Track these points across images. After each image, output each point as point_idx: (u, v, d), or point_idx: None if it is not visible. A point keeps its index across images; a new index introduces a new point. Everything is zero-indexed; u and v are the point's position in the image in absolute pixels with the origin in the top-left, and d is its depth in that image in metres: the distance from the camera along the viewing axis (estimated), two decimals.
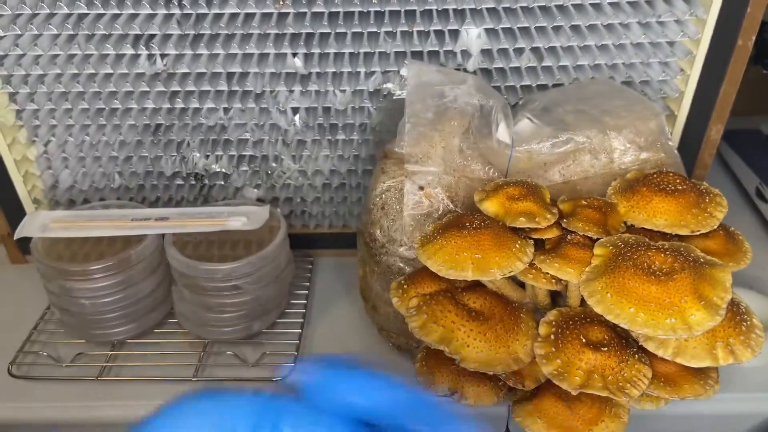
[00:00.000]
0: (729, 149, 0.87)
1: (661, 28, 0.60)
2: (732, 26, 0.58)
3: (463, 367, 0.46)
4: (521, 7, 0.59)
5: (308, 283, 0.72)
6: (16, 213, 0.71)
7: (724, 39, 0.59)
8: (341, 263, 0.75)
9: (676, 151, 0.59)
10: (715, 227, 0.50)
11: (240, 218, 0.63)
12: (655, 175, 0.53)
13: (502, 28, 0.60)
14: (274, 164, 0.70)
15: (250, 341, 0.65)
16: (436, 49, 0.60)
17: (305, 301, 0.69)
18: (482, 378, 0.50)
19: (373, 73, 0.63)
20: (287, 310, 0.68)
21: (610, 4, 0.59)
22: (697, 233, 0.49)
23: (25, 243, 0.72)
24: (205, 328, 0.63)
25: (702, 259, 0.46)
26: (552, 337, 0.47)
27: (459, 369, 0.49)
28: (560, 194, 0.55)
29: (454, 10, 0.59)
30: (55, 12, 0.58)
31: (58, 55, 0.61)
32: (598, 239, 0.49)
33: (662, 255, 0.45)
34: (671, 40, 0.61)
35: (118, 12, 0.58)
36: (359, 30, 0.59)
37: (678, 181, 0.52)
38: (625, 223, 0.52)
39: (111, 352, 0.63)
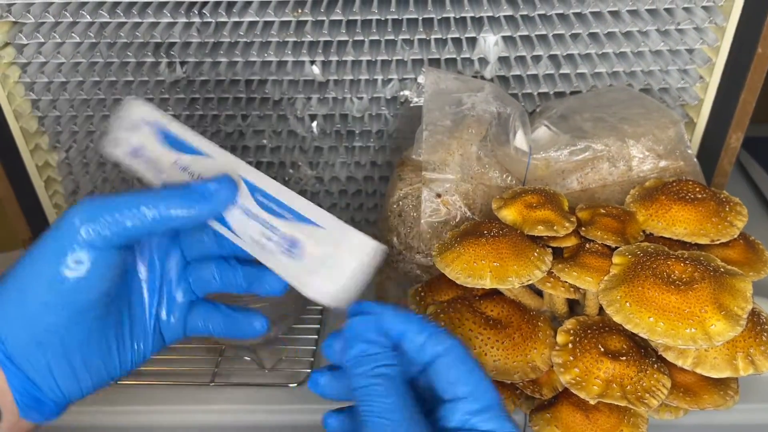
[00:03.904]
0: (749, 157, 0.86)
1: (680, 36, 0.60)
2: (752, 34, 0.58)
3: None
4: (539, 15, 0.59)
5: None
6: (38, 218, 0.72)
7: (744, 46, 0.59)
8: None
9: (695, 159, 0.58)
10: (735, 236, 0.49)
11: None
12: (674, 184, 0.53)
13: (520, 36, 0.60)
14: (291, 171, 0.71)
15: (266, 347, 0.65)
16: (454, 56, 0.60)
17: (321, 307, 0.69)
18: (499, 386, 0.50)
19: (390, 80, 0.63)
20: (303, 316, 0.68)
21: (628, 11, 0.59)
22: (717, 242, 0.49)
23: None
24: None
25: (722, 269, 0.46)
26: (570, 345, 0.47)
27: None
28: (578, 202, 0.55)
29: (472, 17, 0.60)
30: (77, 20, 0.59)
31: (80, 63, 0.62)
32: (616, 248, 0.49)
33: (682, 264, 0.45)
34: (690, 48, 0.60)
35: (140, 20, 0.58)
36: (377, 38, 0.60)
37: (697, 189, 0.52)
38: (644, 231, 0.52)
39: None
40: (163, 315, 0.40)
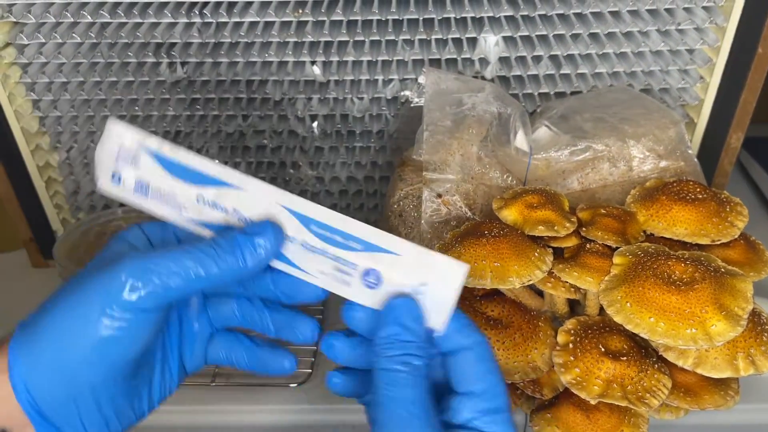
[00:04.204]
0: (749, 157, 0.86)
1: (680, 36, 0.60)
2: (752, 34, 0.58)
3: None
4: (540, 15, 0.59)
5: None
6: (38, 219, 0.72)
7: (744, 47, 0.59)
8: None
9: (695, 160, 0.58)
10: (736, 236, 0.49)
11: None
12: (674, 184, 0.53)
13: (521, 36, 0.60)
14: (291, 171, 0.71)
15: None
16: (454, 56, 0.60)
17: (322, 307, 0.69)
18: None
19: (391, 80, 0.63)
20: None
21: (629, 12, 0.59)
22: (718, 242, 0.49)
23: (47, 247, 0.73)
24: None
25: (723, 269, 0.46)
26: (570, 345, 0.47)
27: None
28: (579, 202, 0.55)
29: (473, 18, 0.60)
30: (78, 21, 0.59)
31: (81, 63, 0.62)
32: (617, 248, 0.49)
33: (682, 264, 0.45)
34: (691, 48, 0.60)
35: (140, 21, 0.58)
36: (377, 38, 0.60)
37: (698, 189, 0.52)
38: (644, 232, 0.52)
39: None
40: (187, 349, 0.40)
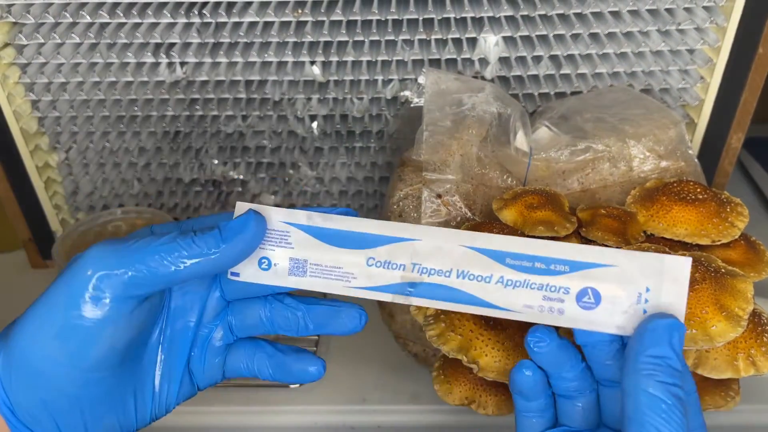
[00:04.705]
0: (750, 157, 0.86)
1: (680, 36, 0.60)
2: (753, 34, 0.58)
3: (481, 376, 0.46)
4: (540, 16, 0.59)
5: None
6: (37, 219, 0.72)
7: (745, 47, 0.59)
8: None
9: (696, 160, 0.58)
10: (736, 237, 0.49)
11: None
12: (675, 184, 0.52)
13: (521, 36, 0.60)
14: (291, 171, 0.71)
15: None
16: (454, 56, 0.60)
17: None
18: (501, 387, 0.50)
19: (390, 80, 0.63)
20: None
21: (629, 12, 0.59)
22: (718, 243, 0.49)
23: (46, 248, 0.73)
24: None
25: (723, 270, 0.46)
26: None
27: (477, 378, 0.49)
28: (579, 202, 0.55)
29: (472, 18, 0.59)
30: (77, 21, 0.59)
31: (80, 63, 0.62)
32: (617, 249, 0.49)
33: None
34: (691, 48, 0.60)
35: (140, 21, 0.58)
36: (377, 38, 0.60)
37: (698, 190, 0.51)
38: (644, 232, 0.52)
39: None
40: (197, 361, 0.37)
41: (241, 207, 0.35)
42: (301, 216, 0.35)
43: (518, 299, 0.33)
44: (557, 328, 0.34)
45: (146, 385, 0.35)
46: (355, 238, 0.34)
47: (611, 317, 0.33)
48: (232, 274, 0.36)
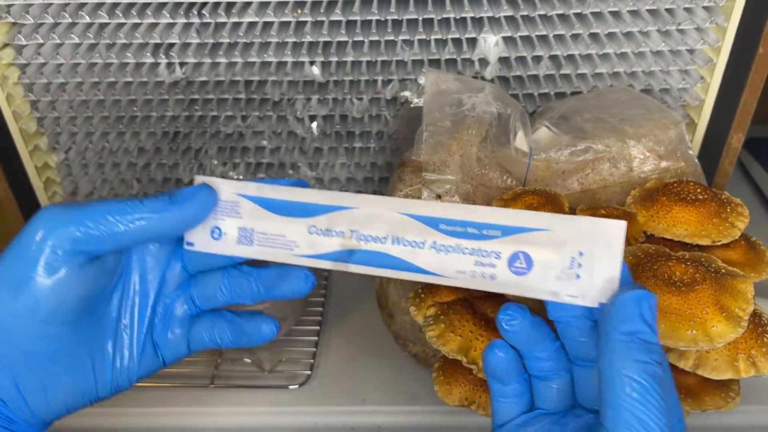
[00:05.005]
0: (750, 158, 0.86)
1: (681, 36, 0.60)
2: (753, 34, 0.58)
3: (480, 377, 0.46)
4: (539, 16, 0.59)
5: (324, 291, 0.72)
6: None
7: (745, 47, 0.58)
8: None
9: (696, 160, 0.58)
10: (737, 237, 0.49)
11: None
12: (675, 185, 0.52)
13: (520, 36, 0.60)
14: (290, 172, 0.71)
15: (266, 348, 0.65)
16: (454, 57, 0.60)
17: (321, 309, 0.69)
18: None
19: (390, 81, 0.63)
20: (304, 317, 0.68)
21: (629, 12, 0.59)
22: (718, 243, 0.49)
23: None
24: None
25: (723, 270, 0.46)
26: None
27: (477, 379, 0.49)
28: (579, 203, 0.55)
29: (472, 18, 0.59)
30: (76, 21, 0.59)
31: (79, 64, 0.62)
32: None
33: (683, 265, 0.45)
34: (691, 48, 0.60)
35: (139, 21, 0.58)
36: (376, 38, 0.60)
37: (698, 190, 0.51)
38: (644, 232, 0.52)
39: None
40: (160, 332, 0.38)
41: (198, 180, 0.37)
42: (251, 187, 0.36)
43: (451, 265, 0.33)
44: (530, 307, 0.34)
45: (104, 349, 0.36)
46: (299, 208, 0.35)
47: (544, 282, 0.32)
48: (188, 243, 0.37)
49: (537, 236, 0.32)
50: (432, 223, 0.33)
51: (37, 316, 0.33)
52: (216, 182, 0.36)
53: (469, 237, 0.33)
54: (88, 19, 0.58)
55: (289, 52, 0.60)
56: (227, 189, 0.36)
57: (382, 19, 0.59)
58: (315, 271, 0.37)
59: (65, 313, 0.33)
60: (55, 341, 0.34)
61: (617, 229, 0.31)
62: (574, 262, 0.31)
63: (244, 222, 0.36)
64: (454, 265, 0.33)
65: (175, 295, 0.38)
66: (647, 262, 0.46)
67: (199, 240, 0.37)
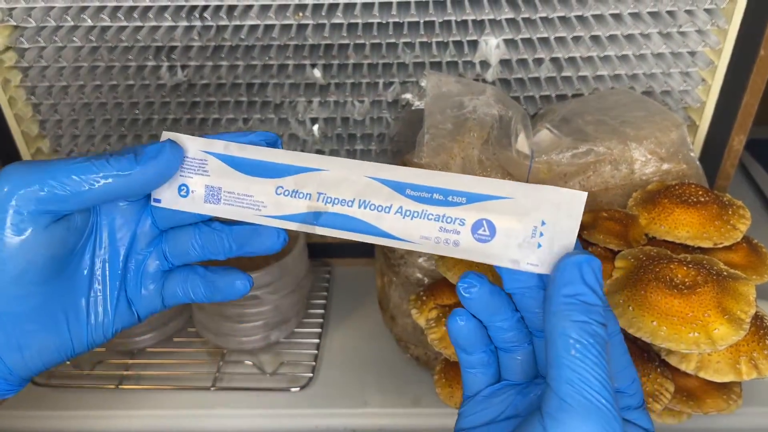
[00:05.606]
0: (752, 160, 0.86)
1: (682, 38, 0.60)
2: (754, 36, 0.58)
3: None
4: (541, 18, 0.59)
5: (326, 293, 0.72)
6: None
7: (746, 49, 0.58)
8: (359, 273, 0.75)
9: (697, 162, 0.58)
10: (738, 239, 0.49)
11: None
12: (676, 187, 0.52)
13: (522, 39, 0.60)
14: None
15: (268, 351, 0.65)
16: (455, 59, 0.60)
17: (323, 311, 0.69)
18: None
19: (391, 83, 0.63)
20: (305, 320, 0.68)
21: (630, 14, 0.59)
22: (720, 246, 0.49)
23: None
24: (223, 337, 0.64)
25: (725, 272, 0.46)
26: None
27: None
28: None
29: (474, 20, 0.59)
30: (79, 24, 0.59)
31: (81, 67, 0.62)
32: (619, 251, 0.49)
33: (685, 268, 0.45)
34: (692, 50, 0.60)
35: (141, 24, 0.58)
36: (378, 41, 0.60)
37: (700, 192, 0.51)
38: (646, 235, 0.52)
39: (130, 361, 0.64)
40: (133, 288, 0.38)
41: (164, 136, 0.36)
42: (218, 145, 0.36)
43: (416, 230, 0.33)
44: (488, 275, 0.34)
45: (78, 306, 0.36)
46: (267, 168, 0.35)
47: (506, 250, 0.32)
48: (155, 200, 0.37)
49: (502, 204, 0.32)
50: (399, 188, 0.33)
51: (5, 277, 0.33)
52: (183, 139, 0.36)
53: (434, 203, 0.33)
54: (90, 22, 0.58)
55: (291, 55, 0.60)
56: (194, 146, 0.36)
57: (384, 22, 0.59)
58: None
59: (35, 272, 0.33)
60: (27, 300, 0.34)
61: (578, 199, 0.31)
62: (536, 230, 0.32)
63: (211, 180, 0.36)
64: (419, 230, 0.33)
65: (147, 252, 0.38)
66: (649, 264, 0.46)
67: (167, 197, 0.37)
